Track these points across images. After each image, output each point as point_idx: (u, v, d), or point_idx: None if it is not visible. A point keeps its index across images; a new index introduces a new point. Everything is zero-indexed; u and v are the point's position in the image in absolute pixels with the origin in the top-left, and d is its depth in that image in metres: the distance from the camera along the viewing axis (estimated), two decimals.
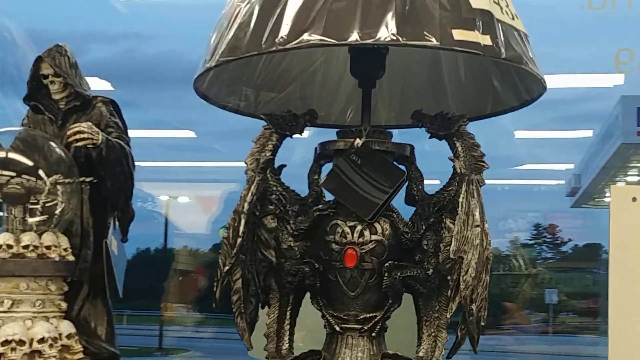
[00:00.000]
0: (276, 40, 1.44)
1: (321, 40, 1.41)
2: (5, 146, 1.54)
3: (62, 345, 1.48)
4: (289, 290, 1.62)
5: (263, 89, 1.82)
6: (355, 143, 1.73)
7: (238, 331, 1.70)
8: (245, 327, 1.73)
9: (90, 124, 1.54)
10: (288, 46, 1.45)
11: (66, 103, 1.63)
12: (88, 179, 1.53)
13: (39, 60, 1.62)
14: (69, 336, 1.45)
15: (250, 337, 1.67)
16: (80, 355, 1.46)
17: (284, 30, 1.44)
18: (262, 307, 1.75)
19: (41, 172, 1.47)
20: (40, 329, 1.46)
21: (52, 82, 1.62)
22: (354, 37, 1.41)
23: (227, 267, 1.72)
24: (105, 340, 1.57)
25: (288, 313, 1.63)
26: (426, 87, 1.85)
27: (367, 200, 1.57)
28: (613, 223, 1.70)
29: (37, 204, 1.51)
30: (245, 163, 1.80)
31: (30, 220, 1.52)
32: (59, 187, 1.49)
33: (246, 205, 1.75)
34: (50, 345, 1.46)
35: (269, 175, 1.76)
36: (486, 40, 1.44)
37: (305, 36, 1.41)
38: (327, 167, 1.81)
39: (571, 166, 11.24)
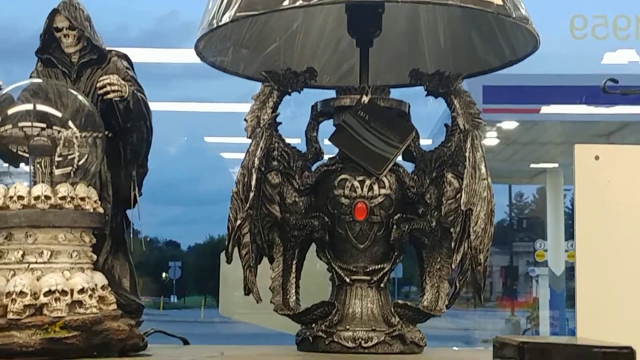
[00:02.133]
0: None
1: None
2: (19, 97, 1.69)
3: (98, 296, 1.68)
4: (295, 244, 1.82)
5: (247, 49, 2.01)
6: (362, 100, 1.83)
7: (247, 284, 1.93)
8: (254, 281, 1.96)
9: (117, 76, 1.66)
10: (313, 1, 1.65)
11: (80, 57, 1.73)
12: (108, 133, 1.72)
13: (53, 12, 1.70)
14: (103, 287, 1.50)
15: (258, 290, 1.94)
16: (114, 306, 1.52)
17: None
18: (263, 262, 2.02)
19: (71, 123, 1.56)
20: (79, 279, 1.47)
21: (65, 35, 1.71)
22: None
23: (238, 222, 1.97)
24: (131, 292, 1.70)
25: (293, 266, 1.83)
26: (403, 48, 2.13)
27: (378, 155, 1.80)
28: (577, 182, 1.81)
29: (64, 155, 1.57)
30: (245, 120, 1.82)
31: (57, 172, 1.69)
32: (84, 139, 1.58)
33: (256, 160, 1.90)
34: (90, 296, 1.53)
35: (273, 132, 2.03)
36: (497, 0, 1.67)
37: None
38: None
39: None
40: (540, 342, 1.25)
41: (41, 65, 1.78)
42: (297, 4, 1.64)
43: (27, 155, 1.62)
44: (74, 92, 1.65)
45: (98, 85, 1.67)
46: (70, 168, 1.62)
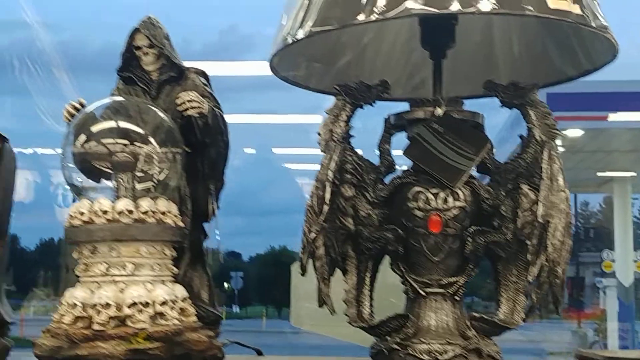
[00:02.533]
0: (375, 9, 1.63)
1: (422, 9, 1.61)
2: (101, 115, 1.75)
3: (179, 308, 1.72)
4: (368, 256, 1.82)
5: (319, 63, 2.03)
6: (437, 112, 1.83)
7: (321, 296, 1.96)
8: (328, 293, 1.99)
9: (196, 93, 1.71)
10: (388, 15, 1.63)
11: (159, 74, 1.78)
12: (186, 148, 1.77)
13: (134, 31, 1.76)
14: (183, 299, 1.53)
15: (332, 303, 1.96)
16: (194, 318, 1.56)
17: (383, 0, 1.64)
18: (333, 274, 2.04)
19: (151, 139, 1.61)
20: (160, 291, 1.51)
21: (145, 53, 1.77)
22: (456, 6, 1.60)
23: (313, 235, 2.00)
24: (209, 303, 1.75)
25: (367, 279, 1.82)
26: (477, 58, 2.12)
27: (452, 167, 1.80)
28: None
29: (144, 171, 1.62)
30: (319, 134, 1.83)
31: (139, 186, 1.73)
32: (164, 154, 1.61)
33: (330, 173, 1.96)
34: (171, 308, 1.56)
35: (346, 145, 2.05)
36: (576, 9, 1.66)
37: (408, 4, 1.61)
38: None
39: None
40: (626, 358, 1.23)
41: (122, 83, 1.83)
42: (372, 18, 1.65)
43: (110, 171, 1.66)
44: (154, 109, 1.69)
45: (177, 102, 1.71)
46: (150, 183, 1.66)
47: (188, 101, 1.69)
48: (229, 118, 1.92)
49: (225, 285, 31.86)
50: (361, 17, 1.68)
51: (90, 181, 1.67)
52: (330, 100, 1.90)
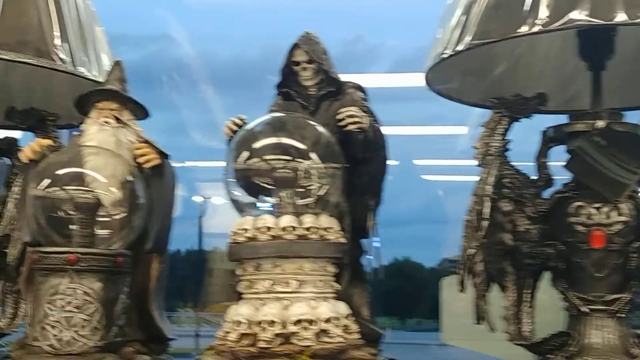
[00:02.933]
0: (537, 20, 1.60)
1: (588, 21, 1.56)
2: (262, 131, 1.76)
3: (343, 325, 1.70)
4: (528, 273, 1.76)
5: (472, 75, 1.97)
6: (598, 124, 1.75)
7: (479, 313, 1.92)
8: (486, 309, 1.94)
9: (356, 108, 1.69)
10: (552, 27, 1.59)
11: (318, 89, 1.78)
12: (342, 165, 1.75)
13: (294, 47, 1.76)
14: (346, 316, 1.52)
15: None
16: (357, 335, 1.53)
17: (545, 11, 1.60)
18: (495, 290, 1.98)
19: (313, 155, 1.60)
20: (324, 309, 1.50)
21: (304, 68, 1.77)
22: (622, 17, 1.55)
23: (471, 250, 1.96)
24: (370, 320, 1.72)
25: (526, 296, 1.77)
26: (633, 69, 2.03)
27: (615, 181, 1.73)
28: None
29: (305, 187, 1.62)
30: (475, 147, 1.79)
31: (299, 202, 1.74)
32: (325, 170, 1.60)
33: (489, 188, 1.95)
34: (336, 325, 1.48)
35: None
36: None
37: (572, 15, 1.57)
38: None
39: None
40: None
41: (280, 98, 1.83)
42: (535, 29, 1.60)
43: (270, 187, 1.66)
44: (314, 124, 1.69)
45: (338, 117, 1.69)
46: (311, 199, 1.65)
47: (349, 116, 1.67)
48: None
49: None
50: (524, 29, 1.63)
51: (251, 197, 1.66)
52: (459, 111, 1.85)
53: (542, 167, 1.86)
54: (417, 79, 1.97)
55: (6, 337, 2.10)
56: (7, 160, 2.20)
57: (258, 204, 1.69)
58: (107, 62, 2.18)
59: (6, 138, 2.16)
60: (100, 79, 2.08)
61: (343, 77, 1.80)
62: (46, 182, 1.69)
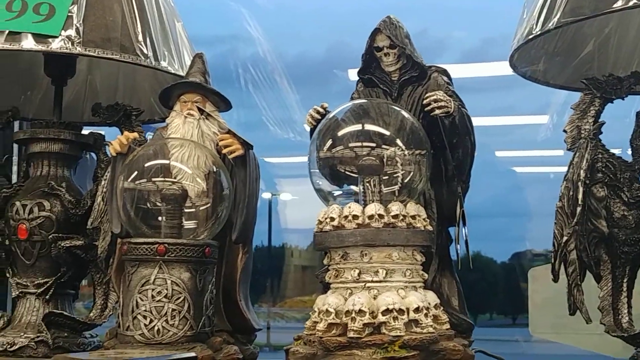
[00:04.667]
0: None
1: None
2: (346, 119, 1.73)
3: (433, 315, 1.66)
4: (625, 261, 1.68)
5: (559, 56, 1.89)
6: None
7: (574, 304, 1.84)
8: (582, 299, 1.87)
9: (442, 92, 1.64)
10: None
11: (400, 74, 1.73)
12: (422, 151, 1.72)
13: (375, 32, 1.71)
14: (436, 306, 1.48)
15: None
16: (447, 325, 1.49)
17: None
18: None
19: (399, 142, 1.56)
20: (414, 298, 1.45)
21: (386, 54, 1.72)
22: None
23: (565, 238, 1.89)
24: (460, 311, 1.67)
25: (624, 285, 1.68)
26: None
27: None
28: None
29: (390, 174, 1.57)
30: (565, 131, 1.69)
31: (385, 190, 1.71)
32: (411, 156, 1.55)
33: (582, 173, 1.88)
34: (425, 315, 1.49)
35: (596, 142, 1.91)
36: None
37: None
38: None
39: None
40: None
41: (362, 85, 1.79)
42: (631, 4, 1.51)
43: (354, 175, 1.62)
44: (398, 110, 1.64)
45: (424, 102, 1.64)
46: (396, 186, 1.60)
47: (434, 101, 1.61)
48: None
49: None
50: (618, 4, 1.54)
51: (335, 186, 1.63)
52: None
53: (638, 150, 1.76)
54: (486, 69, 1.90)
55: (96, 328, 2.12)
56: (93, 156, 2.22)
57: (341, 193, 1.65)
58: (187, 57, 2.18)
59: (92, 134, 2.18)
60: (182, 73, 2.07)
61: None
62: (134, 174, 1.69)
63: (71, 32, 1.89)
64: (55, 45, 1.88)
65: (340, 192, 1.65)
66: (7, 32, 1.89)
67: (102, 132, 2.20)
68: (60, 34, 1.89)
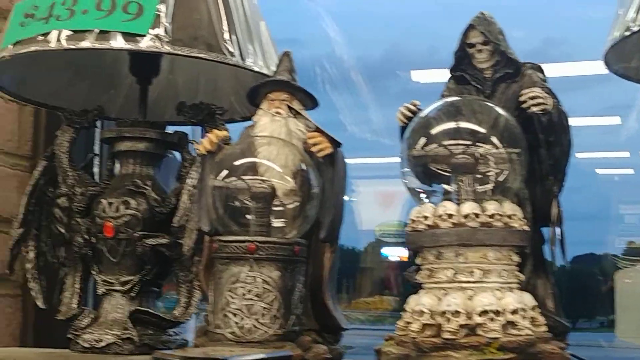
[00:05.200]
0: None
1: None
2: (438, 116, 1.71)
3: (530, 317, 1.62)
4: None
5: None
6: None
7: None
8: None
9: (539, 89, 1.60)
10: None
11: (494, 71, 1.70)
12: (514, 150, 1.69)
13: (468, 28, 1.69)
14: (532, 308, 1.44)
15: None
16: (544, 328, 1.46)
17: None
18: None
19: (494, 139, 1.52)
20: (510, 299, 1.42)
21: (479, 50, 1.69)
22: None
23: None
24: (556, 313, 1.64)
25: None
26: None
27: None
28: None
29: (483, 172, 1.55)
30: None
31: (479, 189, 1.68)
32: (506, 154, 1.52)
33: None
34: (522, 317, 1.41)
35: None
36: None
37: None
38: None
39: None
40: None
41: (453, 82, 1.76)
42: None
43: (446, 173, 1.59)
44: (492, 106, 1.60)
45: (521, 99, 1.60)
46: (490, 185, 1.56)
47: (531, 97, 1.57)
48: None
49: None
50: None
51: (427, 185, 1.60)
52: None
53: None
54: (547, 70, 1.85)
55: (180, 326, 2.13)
56: (177, 155, 2.23)
57: (433, 192, 1.62)
58: (272, 55, 2.17)
59: (177, 132, 2.19)
60: (266, 72, 2.07)
61: None
62: (224, 173, 1.69)
63: (159, 30, 1.89)
64: (144, 44, 1.88)
65: (432, 190, 1.61)
66: (97, 31, 1.89)
67: (186, 132, 2.21)
68: (148, 33, 1.88)
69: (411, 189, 1.60)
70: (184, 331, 2.18)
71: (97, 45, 1.86)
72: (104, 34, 1.87)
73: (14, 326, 2.52)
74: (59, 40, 1.87)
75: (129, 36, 1.87)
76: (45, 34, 1.89)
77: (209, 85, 2.47)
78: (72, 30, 1.89)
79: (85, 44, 1.86)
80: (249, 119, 2.35)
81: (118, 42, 1.86)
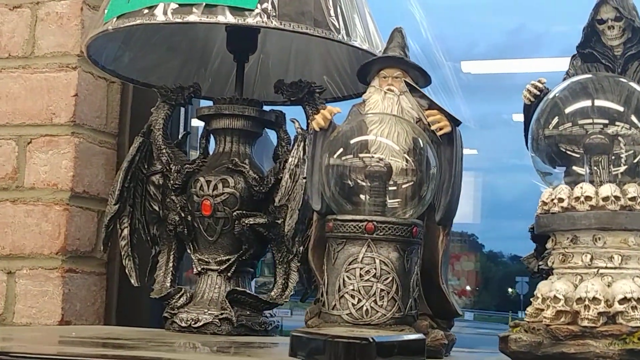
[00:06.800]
0: None
1: None
2: (569, 95, 1.61)
3: None
4: None
5: None
6: None
7: None
8: None
9: None
10: None
11: (625, 49, 1.61)
12: None
13: (600, 4, 1.59)
14: None
15: None
16: None
17: None
18: None
19: (634, 118, 1.44)
20: None
21: (610, 27, 1.60)
22: None
23: None
24: None
25: None
26: None
27: None
28: None
29: (616, 154, 1.45)
30: None
31: (613, 171, 1.58)
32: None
33: None
34: None
35: None
36: None
37: None
38: None
39: None
40: None
41: (579, 60, 1.65)
42: None
43: (576, 155, 1.49)
44: (627, 82, 1.50)
45: None
46: (622, 168, 1.46)
47: None
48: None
49: (510, 290, 31.16)
50: None
51: (558, 166, 1.50)
52: None
53: None
54: None
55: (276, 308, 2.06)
56: (269, 133, 2.17)
57: (557, 173, 1.52)
58: (374, 33, 2.08)
59: (274, 111, 2.12)
60: (371, 50, 1.98)
61: (506, 64, 1.56)
62: (340, 150, 1.61)
63: (267, 5, 1.82)
64: (252, 19, 1.81)
65: (559, 172, 1.51)
66: (203, 4, 1.82)
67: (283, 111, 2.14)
68: (256, 7, 1.81)
69: (538, 170, 1.51)
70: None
71: (205, 20, 1.79)
72: (210, 8, 1.80)
73: (98, 305, 2.48)
74: (165, 13, 1.80)
75: (236, 10, 1.80)
76: (152, 7, 1.82)
77: (300, 64, 2.40)
78: (178, 4, 1.81)
79: (192, 17, 1.79)
80: (340, 99, 2.27)
81: (226, 17, 1.79)
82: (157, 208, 2.11)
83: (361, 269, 1.53)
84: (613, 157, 1.47)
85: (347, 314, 1.53)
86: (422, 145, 1.64)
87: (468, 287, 6.77)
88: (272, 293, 2.00)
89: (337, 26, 1.88)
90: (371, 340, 1.14)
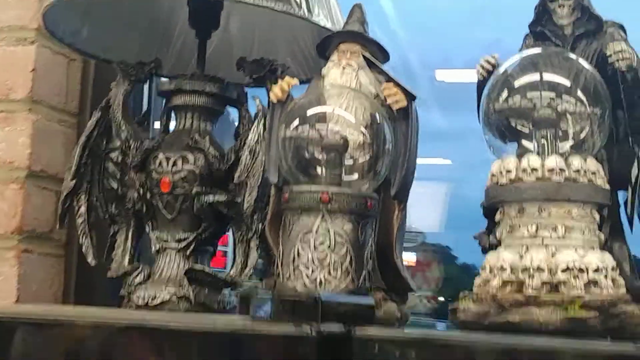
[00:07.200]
0: None
1: None
2: (519, 70, 1.73)
3: (611, 277, 1.65)
4: None
5: None
6: None
7: None
8: None
9: (625, 44, 1.62)
10: None
11: (574, 28, 1.73)
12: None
13: None
14: (613, 268, 1.48)
15: None
16: (624, 290, 1.49)
17: None
18: None
19: (579, 94, 1.56)
20: (593, 258, 1.46)
21: (560, 5, 1.72)
22: None
23: None
24: (632, 277, 1.65)
25: None
26: None
27: None
28: None
29: (564, 130, 1.58)
30: None
31: (561, 145, 1.70)
32: (591, 111, 1.62)
33: None
34: (605, 276, 1.45)
35: None
36: None
37: None
38: None
39: None
40: None
41: (531, 39, 1.79)
42: None
43: (525, 129, 1.62)
44: (575, 59, 1.63)
45: (607, 52, 1.63)
46: (569, 142, 1.60)
47: (617, 52, 1.60)
48: None
49: None
50: None
51: (506, 140, 1.63)
52: None
53: None
54: None
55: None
56: (229, 111, 2.27)
57: (508, 147, 1.66)
58: (335, 9, 2.20)
59: (235, 87, 2.23)
60: (331, 26, 2.10)
61: None
62: (296, 122, 1.73)
63: None
64: None
65: (509, 146, 1.65)
66: None
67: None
68: None
69: (490, 146, 1.64)
70: None
71: None
72: None
73: (56, 287, 2.58)
74: None
75: None
76: None
77: (264, 44, 2.51)
78: None
79: None
80: (305, 82, 2.38)
81: None
82: (115, 186, 2.21)
83: (315, 239, 1.65)
84: (560, 133, 1.60)
85: (301, 285, 1.64)
86: (379, 120, 1.76)
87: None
88: (231, 271, 2.10)
89: (298, 2, 1.99)
90: (317, 297, 1.25)
